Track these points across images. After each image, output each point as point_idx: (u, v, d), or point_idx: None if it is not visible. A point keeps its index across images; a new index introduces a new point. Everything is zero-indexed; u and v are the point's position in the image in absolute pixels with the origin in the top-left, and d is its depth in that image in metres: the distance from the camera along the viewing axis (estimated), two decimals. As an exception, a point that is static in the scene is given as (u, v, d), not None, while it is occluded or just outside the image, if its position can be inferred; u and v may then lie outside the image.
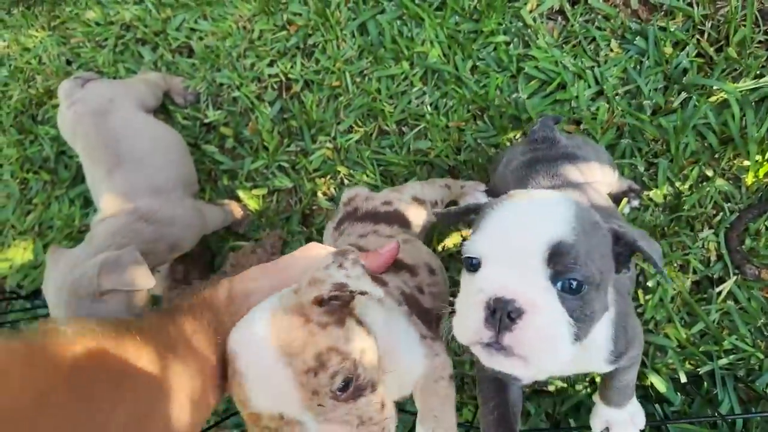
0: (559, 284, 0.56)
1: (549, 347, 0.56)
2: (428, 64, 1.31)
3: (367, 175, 1.34)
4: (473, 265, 0.58)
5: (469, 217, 0.67)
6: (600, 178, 0.97)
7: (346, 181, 1.36)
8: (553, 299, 0.56)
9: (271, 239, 1.36)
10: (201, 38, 1.45)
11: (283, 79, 1.41)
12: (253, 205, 1.41)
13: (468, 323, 0.56)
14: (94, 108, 1.22)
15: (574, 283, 0.56)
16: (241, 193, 1.43)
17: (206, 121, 1.45)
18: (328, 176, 1.38)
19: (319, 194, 1.38)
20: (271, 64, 1.41)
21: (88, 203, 1.52)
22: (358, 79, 1.36)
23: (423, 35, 1.32)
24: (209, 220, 1.25)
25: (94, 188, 1.22)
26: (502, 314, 0.55)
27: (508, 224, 0.58)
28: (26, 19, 1.61)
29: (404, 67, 1.33)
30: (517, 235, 0.56)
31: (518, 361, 0.55)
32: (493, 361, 0.57)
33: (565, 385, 1.19)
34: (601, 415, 0.87)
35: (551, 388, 1.20)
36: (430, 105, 1.33)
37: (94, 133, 1.19)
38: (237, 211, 1.37)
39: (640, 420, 0.87)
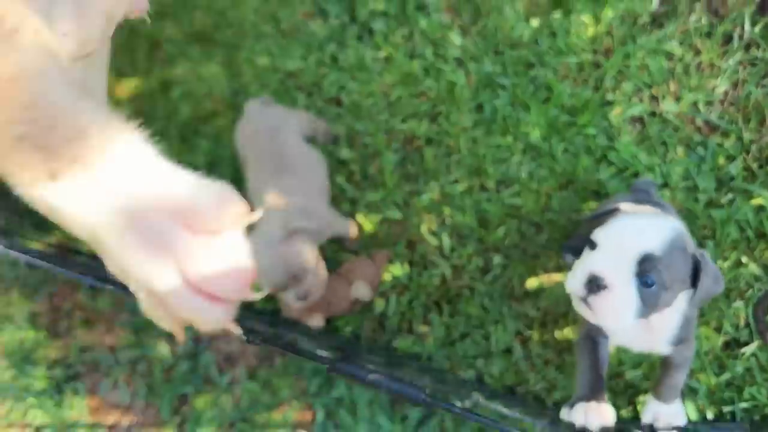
0: (639, 279, 1.02)
1: (615, 312, 1.04)
2: (529, 141, 1.88)
3: (466, 219, 1.88)
4: (593, 246, 1.08)
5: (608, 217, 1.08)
6: None
7: (447, 221, 1.90)
8: (630, 286, 1.03)
9: (380, 255, 1.88)
10: (348, 94, 2.05)
11: (410, 134, 1.99)
12: (367, 227, 1.95)
13: (575, 281, 1.06)
14: (271, 125, 1.79)
15: (649, 282, 1.00)
16: (358, 217, 1.96)
17: (340, 157, 2.02)
18: (434, 214, 1.92)
19: (424, 227, 1.91)
20: (402, 122, 2.00)
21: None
22: (470, 144, 1.93)
23: (528, 119, 1.90)
24: (336, 226, 1.78)
25: (256, 188, 1.77)
26: (593, 284, 1.04)
27: (624, 229, 1.01)
28: (205, 56, 2.25)
29: (509, 141, 1.90)
30: (626, 239, 1.03)
31: (594, 315, 1.05)
32: (580, 309, 1.06)
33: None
34: (651, 408, 1.30)
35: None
36: (526, 173, 1.88)
37: (268, 144, 1.76)
38: (354, 229, 1.91)
39: (682, 418, 1.29)
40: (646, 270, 0.98)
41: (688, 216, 1.70)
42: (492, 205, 1.87)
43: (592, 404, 1.16)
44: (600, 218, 1.09)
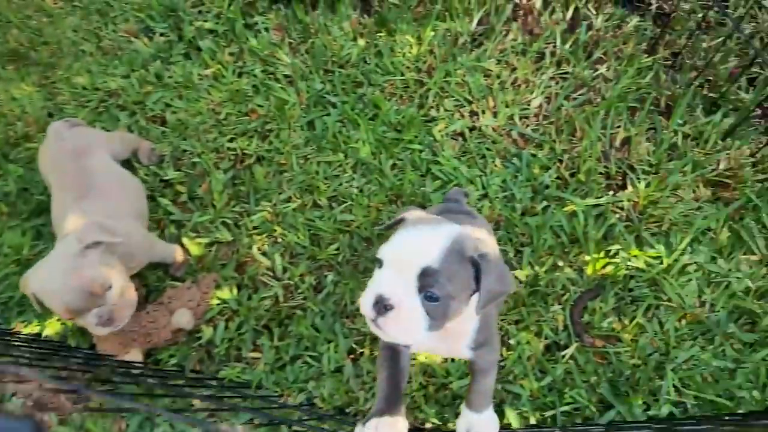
0: (422, 294, 0.97)
1: (404, 331, 1.03)
2: (359, 157, 1.93)
3: (298, 237, 1.87)
4: (380, 264, 1.06)
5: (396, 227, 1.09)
6: (487, 239, 1.51)
7: (279, 240, 1.89)
8: (415, 303, 1.00)
9: (206, 280, 1.83)
10: (174, 112, 2.02)
11: (240, 153, 1.98)
12: (194, 251, 1.89)
13: (365, 302, 1.05)
14: (76, 146, 1.72)
15: (433, 296, 0.96)
16: (185, 240, 1.91)
17: (165, 178, 1.97)
18: (265, 234, 1.90)
19: (255, 248, 1.89)
20: (231, 140, 1.99)
21: (39, 236, 1.95)
22: (301, 161, 1.95)
23: (357, 136, 1.95)
24: (156, 250, 1.72)
25: (58, 214, 1.68)
26: (380, 305, 1.02)
27: (402, 244, 1.00)
28: (19, 75, 2.15)
29: (340, 157, 1.94)
30: (405, 255, 0.98)
31: (386, 335, 1.05)
32: (374, 330, 1.07)
33: (440, 423, 1.65)
34: (465, 417, 1.30)
35: (428, 425, 1.66)
36: (357, 188, 1.92)
37: (72, 167, 1.69)
38: (179, 254, 1.84)
39: (496, 425, 1.30)
40: (427, 285, 0.96)
41: (506, 224, 1.79)
42: (324, 222, 1.88)
43: (385, 419, 1.15)
44: (390, 228, 1.12)
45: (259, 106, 1.99)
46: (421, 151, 1.91)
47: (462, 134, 1.92)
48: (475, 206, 1.84)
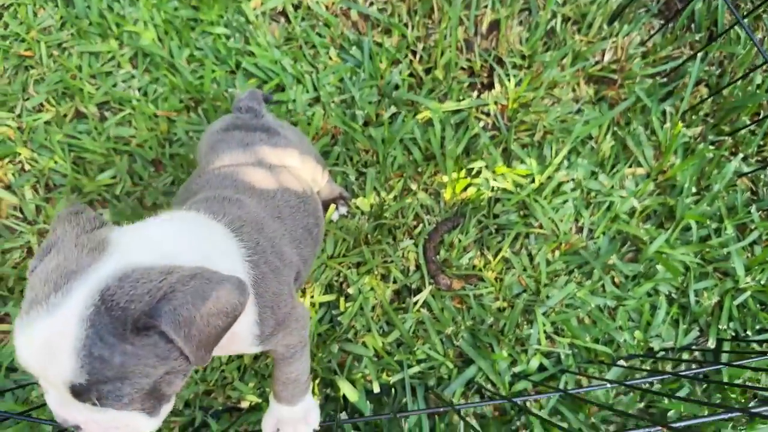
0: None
1: None
2: (140, 45, 1.36)
3: (55, 162, 1.32)
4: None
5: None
6: (299, 165, 1.06)
7: (27, 167, 1.32)
8: (97, 415, 0.61)
9: None
10: None
11: (-42, 40, 1.34)
12: None
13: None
14: None
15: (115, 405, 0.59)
16: None
17: None
18: (7, 159, 1.32)
19: (-10, 181, 1.32)
20: (-57, 21, 1.34)
21: None
22: (55, 52, 1.36)
23: (136, 15, 1.37)
24: None
25: None
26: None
27: (22, 345, 0.57)
28: None
29: (112, 46, 1.36)
30: (32, 363, 0.57)
31: None
32: None
33: (260, 400, 1.25)
34: (273, 413, 0.94)
35: (245, 404, 1.25)
36: (138, 90, 1.37)
37: None
38: None
39: (314, 418, 0.96)
40: (90, 400, 0.59)
41: (345, 138, 1.34)
42: (92, 140, 1.33)
43: None
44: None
45: (-16, -32, 1.34)
46: (228, 38, 1.38)
47: (284, 13, 1.41)
48: (303, 115, 1.36)
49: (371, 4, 1.45)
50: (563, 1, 1.51)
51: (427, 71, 1.44)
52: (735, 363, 1.18)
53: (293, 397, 0.93)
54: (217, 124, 1.06)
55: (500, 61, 1.44)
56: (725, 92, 1.43)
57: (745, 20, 1.40)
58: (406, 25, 1.45)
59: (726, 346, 1.34)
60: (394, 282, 1.35)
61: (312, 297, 1.32)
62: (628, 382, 1.19)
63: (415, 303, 1.34)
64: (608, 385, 1.16)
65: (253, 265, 0.75)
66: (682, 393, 1.30)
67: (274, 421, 0.95)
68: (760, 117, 1.42)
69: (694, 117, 1.45)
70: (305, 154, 1.07)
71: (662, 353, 1.34)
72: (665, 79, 1.48)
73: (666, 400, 1.27)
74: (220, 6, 1.39)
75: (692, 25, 1.50)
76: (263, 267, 0.77)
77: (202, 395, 1.28)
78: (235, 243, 0.74)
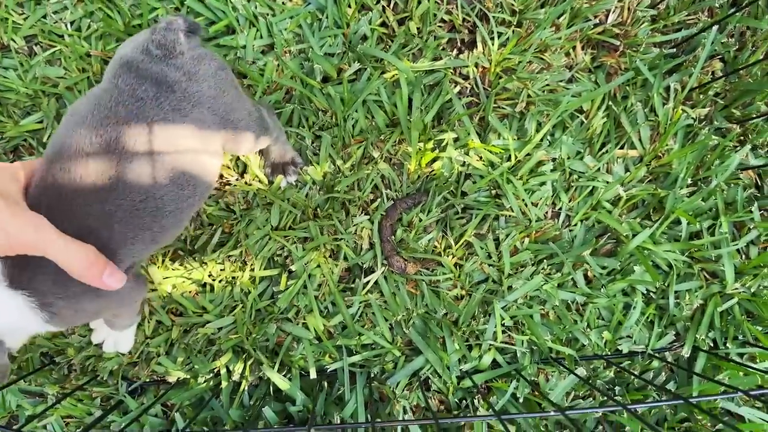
0: None
1: None
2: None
3: (-26, 102, 1.18)
4: None
5: None
6: (217, 146, 0.87)
7: (-56, 107, 1.19)
8: None
9: None
10: None
11: None
12: None
13: None
14: None
15: None
16: None
17: None
18: None
19: None
20: None
21: None
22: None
23: (70, -66, 1.19)
24: None
25: None
26: None
27: None
28: None
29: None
30: None
31: None
32: None
33: (188, 376, 1.17)
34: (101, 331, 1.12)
35: (172, 379, 1.18)
36: (71, 24, 1.21)
37: None
38: None
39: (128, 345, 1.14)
40: None
41: (300, 96, 1.18)
42: (18, 79, 1.19)
43: None
44: None
45: None
46: (173, -25, 1.20)
47: (239, -55, 1.21)
48: (254, 64, 1.20)
49: (341, -63, 1.24)
50: (568, -54, 1.29)
51: (401, 22, 1.26)
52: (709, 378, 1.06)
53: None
54: (124, 51, 0.84)
55: (485, 17, 1.25)
56: (742, 71, 1.24)
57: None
58: (380, -36, 1.25)
59: (702, 357, 1.22)
60: (345, 259, 1.23)
61: (252, 270, 1.20)
62: (588, 383, 1.09)
63: (365, 285, 1.22)
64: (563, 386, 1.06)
65: None
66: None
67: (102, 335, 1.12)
68: (778, 103, 1.23)
69: (702, 96, 1.27)
70: (221, 123, 0.88)
71: (628, 362, 1.22)
72: (674, 50, 1.28)
73: (625, 415, 1.16)
74: (164, -70, 1.20)
75: (715, -14, 1.28)
76: None
77: (126, 366, 1.19)
78: None
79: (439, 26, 1.28)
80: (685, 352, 1.22)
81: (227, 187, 1.22)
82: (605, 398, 1.14)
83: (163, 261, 1.20)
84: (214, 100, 0.84)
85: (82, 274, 0.69)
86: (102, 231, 0.75)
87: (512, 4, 1.26)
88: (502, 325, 1.22)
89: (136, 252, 0.80)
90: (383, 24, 1.27)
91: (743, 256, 1.27)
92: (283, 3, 1.25)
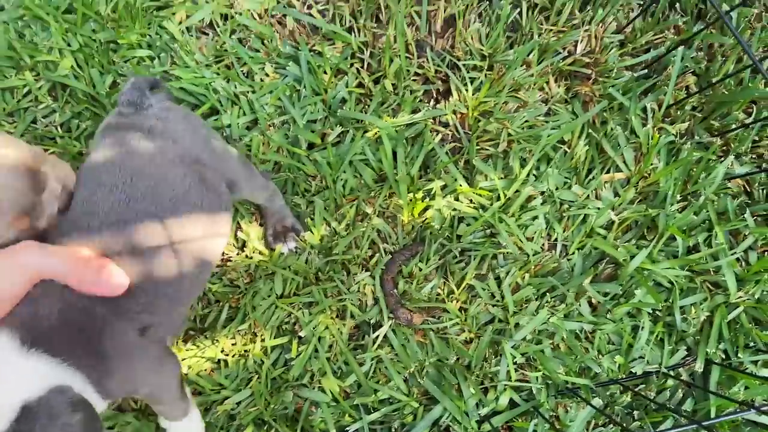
0: None
1: None
2: (55, 76, 1.23)
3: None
4: None
5: None
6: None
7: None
8: None
9: None
10: None
11: None
12: None
13: None
14: None
15: None
16: None
17: None
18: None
19: None
20: None
21: None
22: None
23: (50, 41, 1.24)
24: None
25: None
26: None
27: None
28: None
29: (27, 79, 1.24)
30: None
31: None
32: None
33: None
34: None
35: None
36: (61, 126, 1.25)
37: None
38: None
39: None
40: None
41: (288, 166, 1.22)
42: None
43: None
44: None
45: None
46: (152, 59, 1.25)
47: (213, 26, 1.26)
48: (240, 141, 1.24)
49: (309, 7, 1.29)
50: (529, -16, 1.32)
51: (377, 81, 1.29)
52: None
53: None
54: (102, 126, 0.90)
55: (456, 65, 1.29)
56: (716, 84, 1.26)
57: (732, 12, 1.21)
58: (349, 30, 1.29)
59: (715, 369, 1.23)
60: (352, 317, 1.25)
61: (263, 341, 1.23)
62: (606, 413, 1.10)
63: (375, 340, 1.24)
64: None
65: None
66: (668, 424, 1.21)
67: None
68: (754, 111, 1.25)
69: (679, 112, 1.29)
70: (207, 157, 0.91)
71: (642, 383, 1.23)
72: (645, 71, 1.31)
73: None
74: (140, 24, 1.25)
75: (677, 5, 1.31)
76: None
77: None
78: None
79: (414, 80, 1.32)
80: (698, 366, 1.22)
81: (229, 263, 1.25)
82: (624, 427, 1.15)
83: (176, 342, 1.23)
84: (192, 136, 0.90)
85: (77, 275, 0.62)
86: None
87: (481, 50, 1.30)
88: (514, 363, 1.24)
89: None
90: (360, 85, 1.31)
91: (743, 264, 1.28)
92: (261, 80, 1.29)
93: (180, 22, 1.29)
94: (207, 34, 1.31)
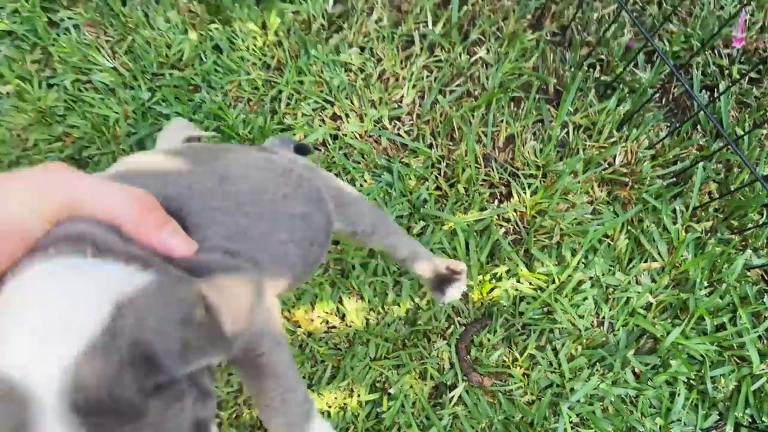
0: None
1: None
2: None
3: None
4: None
5: None
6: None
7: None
8: None
9: None
10: (-31, 141, 1.63)
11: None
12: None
13: None
14: None
15: None
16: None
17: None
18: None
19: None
20: (44, 173, 1.63)
21: None
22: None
23: (199, 154, 1.62)
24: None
25: None
26: None
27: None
28: None
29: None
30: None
31: None
32: None
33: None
34: None
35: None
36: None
37: None
38: None
39: None
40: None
41: (382, 253, 1.54)
42: None
43: None
44: None
45: (74, 127, 1.62)
46: (276, 169, 1.60)
47: (325, 144, 1.62)
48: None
49: (398, 129, 1.64)
50: (574, 109, 1.66)
51: (451, 185, 1.62)
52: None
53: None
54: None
55: (515, 174, 1.61)
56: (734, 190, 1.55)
57: (742, 138, 1.51)
58: (430, 146, 1.64)
59: (744, 432, 1.44)
60: (431, 379, 1.52)
61: (359, 396, 1.51)
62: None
63: (451, 399, 1.51)
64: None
65: None
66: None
67: None
68: (765, 213, 1.53)
69: (704, 213, 1.57)
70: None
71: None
72: (674, 179, 1.60)
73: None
74: (266, 136, 1.62)
75: (698, 126, 1.62)
76: None
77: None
78: None
79: (481, 185, 1.65)
80: (729, 429, 1.44)
81: (333, 330, 1.56)
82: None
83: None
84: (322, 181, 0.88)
85: (134, 219, 0.48)
86: None
87: (536, 161, 1.62)
88: (570, 422, 1.48)
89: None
90: (438, 188, 1.64)
91: (764, 340, 1.52)
92: (361, 185, 1.64)
93: (299, 140, 1.67)
94: (320, 150, 1.67)
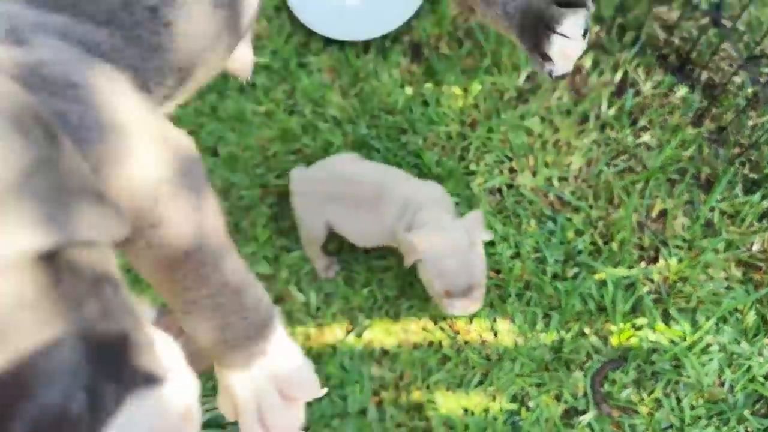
0: None
1: None
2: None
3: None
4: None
5: None
6: None
7: (315, 278, 1.99)
8: None
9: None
10: (225, 145, 2.12)
11: (284, 190, 2.08)
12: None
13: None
14: None
15: None
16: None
17: (213, 208, 2.08)
18: (303, 271, 2.00)
19: (292, 283, 1.99)
20: (278, 177, 2.09)
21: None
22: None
23: (398, 183, 2.02)
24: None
25: None
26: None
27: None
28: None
29: (380, 203, 2.01)
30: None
31: None
32: None
33: None
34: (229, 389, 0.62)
35: None
36: (394, 235, 2.00)
37: None
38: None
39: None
40: None
41: (536, 287, 1.86)
42: (359, 265, 1.97)
43: None
44: None
45: (306, 145, 2.08)
46: (457, 203, 1.98)
47: (500, 190, 1.99)
48: (505, 264, 1.91)
49: (564, 189, 1.98)
50: (722, 197, 1.94)
51: (605, 242, 1.93)
52: None
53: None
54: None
55: (665, 243, 1.90)
56: None
57: None
58: (590, 206, 1.96)
59: None
60: (565, 402, 1.80)
61: (500, 403, 1.81)
62: None
63: (580, 422, 1.77)
64: None
65: None
66: None
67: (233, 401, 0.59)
68: None
69: (832, 304, 1.79)
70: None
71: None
72: (807, 270, 1.83)
73: None
74: (454, 181, 2.01)
75: (835, 229, 1.85)
76: None
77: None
78: None
79: (633, 247, 1.94)
80: (836, 500, 1.62)
81: (485, 342, 1.88)
82: None
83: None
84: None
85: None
86: None
87: (683, 236, 1.90)
88: (685, 462, 1.70)
89: None
90: (593, 243, 1.95)
91: None
92: (525, 229, 1.98)
93: (479, 184, 2.04)
94: (494, 195, 2.03)
